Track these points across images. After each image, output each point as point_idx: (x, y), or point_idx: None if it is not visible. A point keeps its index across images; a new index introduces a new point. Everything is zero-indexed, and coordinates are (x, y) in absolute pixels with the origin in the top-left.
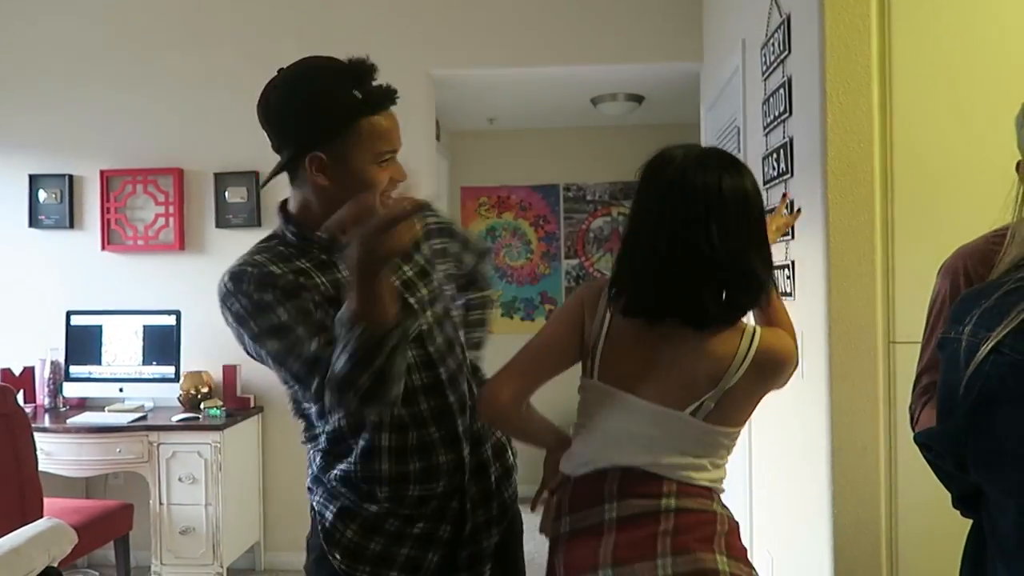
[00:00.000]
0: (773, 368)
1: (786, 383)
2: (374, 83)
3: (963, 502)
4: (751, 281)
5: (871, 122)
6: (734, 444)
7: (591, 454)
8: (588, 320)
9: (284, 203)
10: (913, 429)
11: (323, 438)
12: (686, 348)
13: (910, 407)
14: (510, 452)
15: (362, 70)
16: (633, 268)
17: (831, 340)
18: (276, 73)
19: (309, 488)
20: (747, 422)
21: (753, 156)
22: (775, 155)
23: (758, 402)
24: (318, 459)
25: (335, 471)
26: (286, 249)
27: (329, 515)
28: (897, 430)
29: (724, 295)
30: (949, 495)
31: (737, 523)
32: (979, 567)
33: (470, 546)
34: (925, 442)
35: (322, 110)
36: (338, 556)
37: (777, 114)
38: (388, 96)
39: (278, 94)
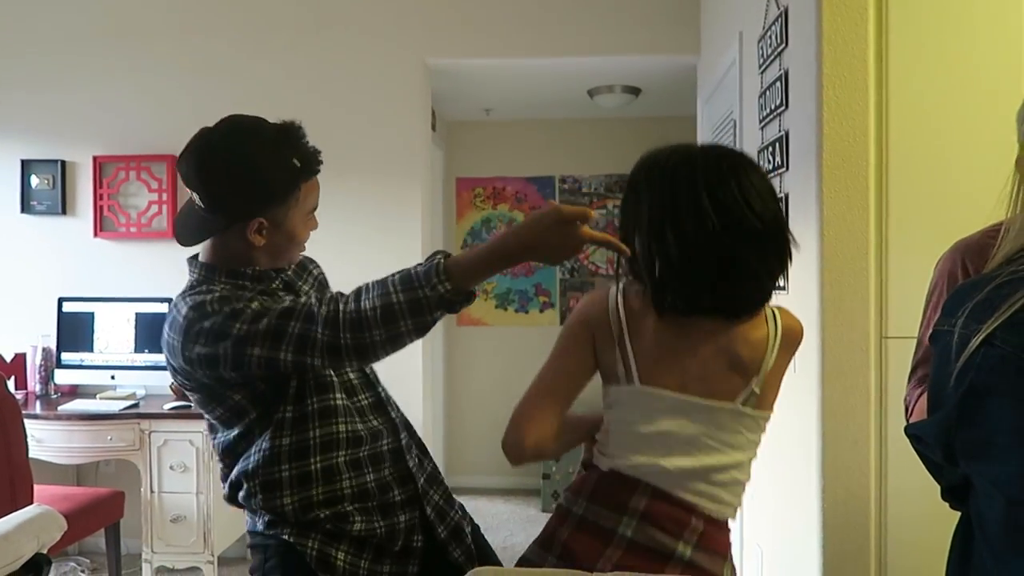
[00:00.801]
0: (794, 343)
1: None
2: (304, 144)
3: (951, 494)
4: (789, 245)
5: (867, 116)
6: (765, 426)
7: (629, 456)
8: (602, 338)
9: (196, 257)
10: (907, 421)
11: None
12: (725, 338)
13: (905, 399)
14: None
15: (296, 134)
16: (683, 266)
17: (824, 335)
18: (201, 133)
19: (260, 537)
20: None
21: (749, 149)
22: (771, 148)
23: (783, 378)
24: (260, 500)
25: (292, 504)
26: (221, 292)
27: (313, 546)
28: (888, 425)
29: (774, 268)
30: (938, 487)
31: None
32: (967, 559)
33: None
34: (916, 433)
35: (267, 181)
36: None
37: (773, 107)
38: (317, 157)
39: (215, 162)
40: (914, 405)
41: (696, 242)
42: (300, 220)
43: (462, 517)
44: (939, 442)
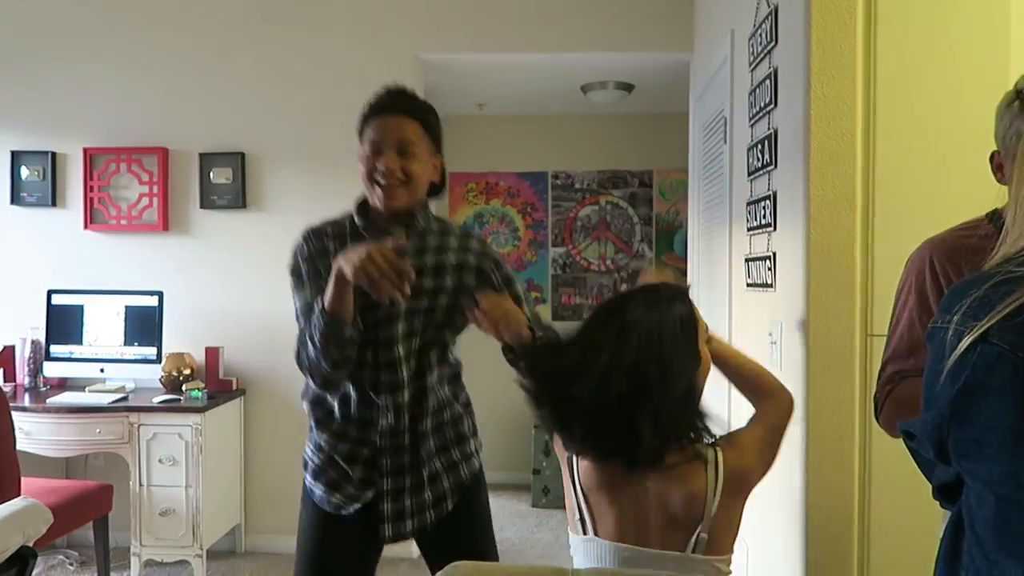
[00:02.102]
0: (743, 485)
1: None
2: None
3: (942, 492)
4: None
5: (854, 115)
6: (731, 573)
7: None
8: (565, 478)
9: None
10: (877, 418)
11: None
12: (657, 491)
13: (875, 395)
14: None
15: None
16: (556, 417)
17: (809, 332)
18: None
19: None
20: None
21: (739, 146)
22: (760, 146)
23: (741, 518)
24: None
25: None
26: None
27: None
28: (872, 422)
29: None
30: (923, 486)
31: None
32: (955, 558)
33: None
34: (908, 430)
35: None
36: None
37: (762, 105)
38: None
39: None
40: (883, 401)
41: (559, 396)
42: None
43: (433, 503)
44: (932, 439)
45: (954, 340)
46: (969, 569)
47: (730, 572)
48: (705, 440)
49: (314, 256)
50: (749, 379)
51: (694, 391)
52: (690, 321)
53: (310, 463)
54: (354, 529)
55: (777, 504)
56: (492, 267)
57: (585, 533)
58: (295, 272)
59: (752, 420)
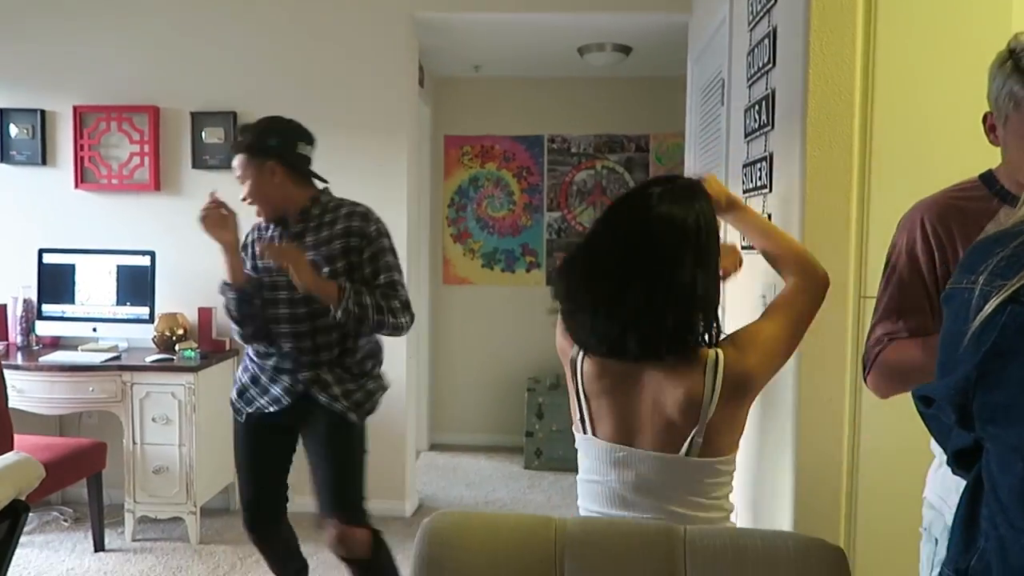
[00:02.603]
0: (744, 389)
1: (814, 307)
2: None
3: (957, 459)
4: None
5: (853, 74)
6: (733, 470)
7: (600, 512)
8: (567, 377)
9: None
10: (865, 379)
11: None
12: (662, 385)
13: (863, 357)
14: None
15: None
16: (570, 309)
17: None
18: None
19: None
20: (739, 443)
21: (736, 108)
22: (757, 107)
23: (744, 420)
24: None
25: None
26: None
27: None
28: (862, 385)
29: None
30: (911, 448)
31: None
32: (974, 526)
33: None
34: (926, 395)
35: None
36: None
37: (761, 65)
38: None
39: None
40: (872, 363)
41: (573, 284)
42: None
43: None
44: (954, 404)
45: (980, 301)
46: (990, 536)
47: (732, 469)
48: (709, 343)
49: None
50: (776, 247)
51: (716, 288)
52: (712, 217)
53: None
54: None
55: (767, 465)
56: (360, 243)
57: (585, 433)
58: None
59: (773, 309)
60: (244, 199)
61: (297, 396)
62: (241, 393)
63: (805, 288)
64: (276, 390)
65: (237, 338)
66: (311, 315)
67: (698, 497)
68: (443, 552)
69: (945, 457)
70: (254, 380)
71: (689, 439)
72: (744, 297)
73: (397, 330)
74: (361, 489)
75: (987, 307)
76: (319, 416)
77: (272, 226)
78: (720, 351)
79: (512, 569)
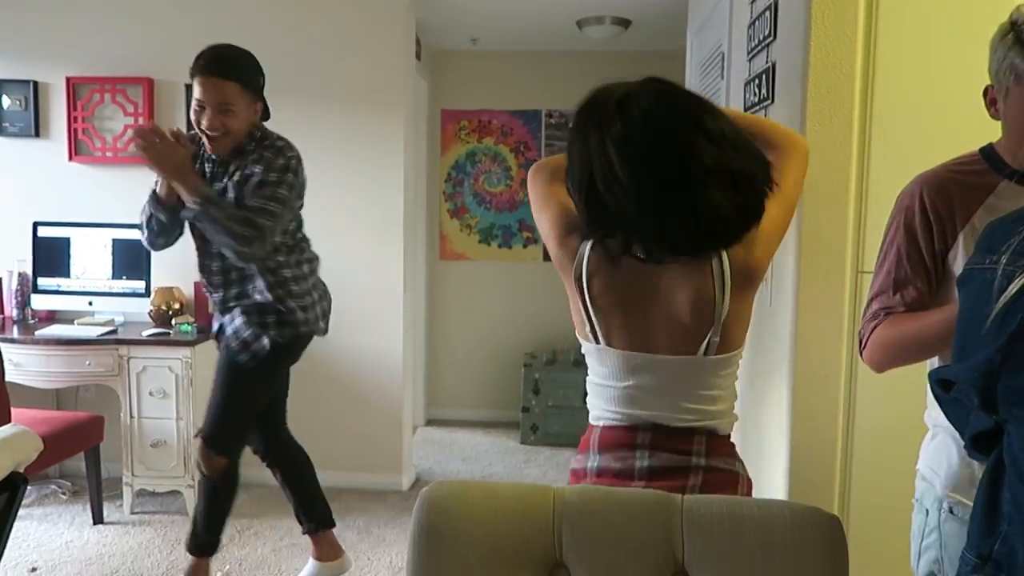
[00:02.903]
0: (752, 277)
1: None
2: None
3: (976, 443)
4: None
5: (855, 48)
6: (741, 356)
7: (617, 412)
8: (570, 289)
9: None
10: (861, 354)
11: None
12: (673, 292)
13: (859, 332)
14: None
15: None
16: (638, 206)
17: (800, 268)
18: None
19: None
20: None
21: (736, 82)
22: (757, 81)
23: (751, 309)
24: None
25: None
26: None
27: None
28: (859, 359)
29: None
30: (905, 422)
31: (751, 481)
32: (995, 511)
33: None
34: (946, 378)
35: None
36: None
37: (762, 38)
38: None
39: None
40: (868, 338)
41: (612, 187)
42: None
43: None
44: (977, 386)
45: (1003, 281)
46: (1014, 519)
47: (741, 357)
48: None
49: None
50: (748, 126)
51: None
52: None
53: None
54: None
55: (763, 439)
56: (255, 170)
57: (598, 343)
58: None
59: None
60: (211, 130)
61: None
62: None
63: (789, 160)
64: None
65: (145, 242)
66: (220, 255)
67: (713, 391)
68: (442, 520)
69: (937, 430)
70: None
71: (707, 340)
72: None
73: (239, 240)
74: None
75: (1011, 287)
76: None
77: (204, 160)
78: (724, 250)
79: (511, 537)
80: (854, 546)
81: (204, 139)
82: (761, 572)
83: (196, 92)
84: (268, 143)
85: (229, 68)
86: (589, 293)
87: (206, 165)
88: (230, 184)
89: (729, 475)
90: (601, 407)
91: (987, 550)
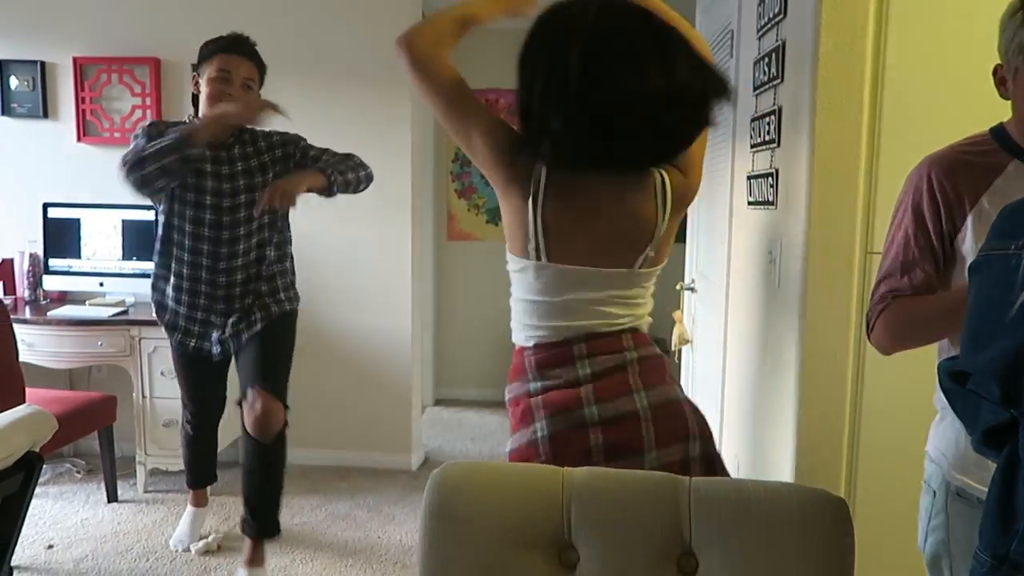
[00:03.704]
0: (686, 201)
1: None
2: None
3: (989, 440)
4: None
5: (866, 26)
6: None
7: (553, 328)
8: (517, 197)
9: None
10: (868, 336)
11: None
12: (617, 209)
13: (867, 313)
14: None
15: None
16: (567, 116)
17: (808, 248)
18: None
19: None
20: None
21: (745, 60)
22: (767, 59)
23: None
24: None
25: None
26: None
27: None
28: (866, 340)
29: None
30: (913, 404)
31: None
32: (1009, 507)
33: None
34: (959, 370)
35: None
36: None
37: (771, 15)
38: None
39: None
40: (875, 320)
41: (565, 99)
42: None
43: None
44: (998, 377)
45: None
46: None
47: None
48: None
49: (154, 137)
50: None
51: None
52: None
53: None
54: None
55: (770, 419)
56: (296, 148)
57: (540, 260)
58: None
59: None
60: (230, 114)
61: None
62: None
63: None
64: None
65: (136, 179)
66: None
67: (639, 299)
68: (453, 502)
69: (945, 412)
70: None
71: (644, 254)
72: (756, 254)
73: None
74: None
75: None
76: None
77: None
78: (665, 172)
79: (520, 517)
80: (861, 525)
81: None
82: (767, 553)
83: (219, 65)
84: (255, 131)
85: (253, 50)
86: (542, 212)
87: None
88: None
89: (657, 358)
90: (532, 324)
91: (1003, 550)
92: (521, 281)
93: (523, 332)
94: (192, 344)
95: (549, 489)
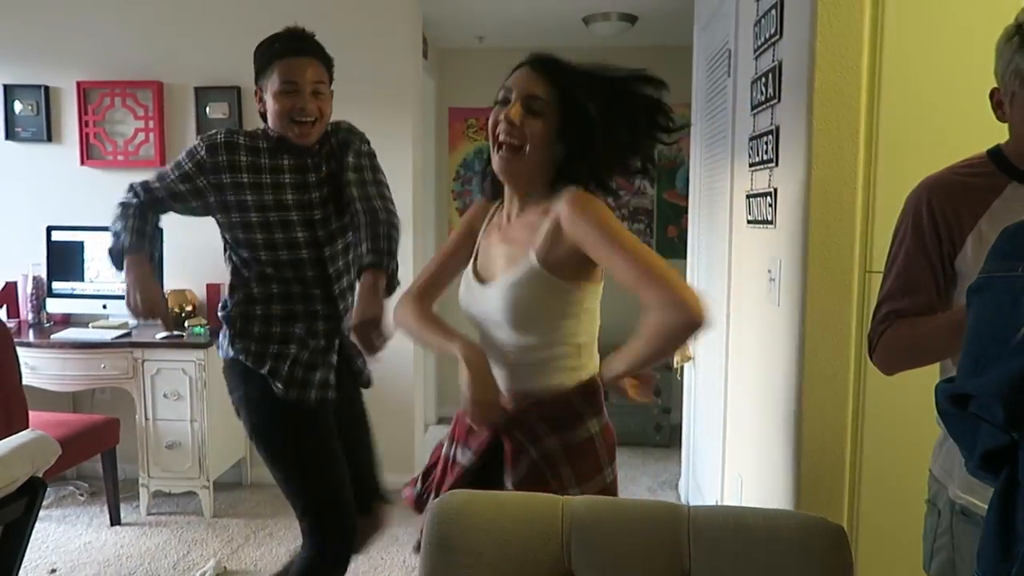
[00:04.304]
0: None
1: None
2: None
3: (987, 463)
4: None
5: (861, 47)
6: None
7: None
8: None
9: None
10: (871, 356)
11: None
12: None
13: (869, 334)
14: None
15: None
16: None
17: (808, 268)
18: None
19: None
20: None
21: (742, 80)
22: (763, 79)
23: None
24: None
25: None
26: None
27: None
28: (867, 359)
29: None
30: (916, 424)
31: None
32: (1010, 531)
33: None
34: (965, 392)
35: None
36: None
37: (768, 36)
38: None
39: None
40: (878, 340)
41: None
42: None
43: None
44: (1003, 400)
45: None
46: None
47: None
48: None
49: (222, 169)
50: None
51: None
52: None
53: None
54: None
55: (772, 438)
56: (349, 155)
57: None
58: (185, 172)
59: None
60: (307, 116)
61: None
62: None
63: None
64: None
65: (114, 257)
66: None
67: None
68: (452, 531)
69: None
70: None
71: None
72: (755, 273)
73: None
74: None
75: None
76: None
77: (254, 152)
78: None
79: (520, 546)
80: (865, 547)
81: (292, 130)
82: None
83: (281, 75)
84: (339, 127)
85: (317, 48)
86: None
87: (262, 158)
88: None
89: None
90: (592, 354)
91: (1004, 574)
92: (592, 308)
93: (592, 360)
94: (295, 394)
95: (549, 517)
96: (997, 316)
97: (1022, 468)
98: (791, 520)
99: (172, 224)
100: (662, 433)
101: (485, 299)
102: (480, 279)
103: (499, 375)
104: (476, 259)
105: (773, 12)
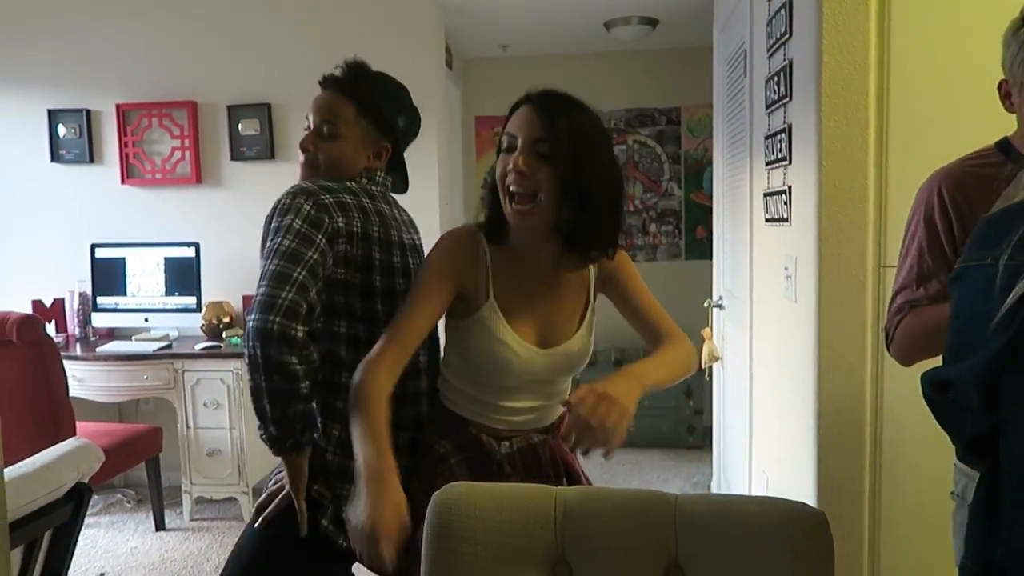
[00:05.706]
0: None
1: None
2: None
3: (973, 448)
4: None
5: (868, 43)
6: None
7: None
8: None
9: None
10: (888, 348)
11: None
12: None
13: (885, 326)
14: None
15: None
16: None
17: (821, 264)
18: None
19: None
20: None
21: (757, 79)
22: (776, 78)
23: None
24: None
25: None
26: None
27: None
28: (883, 353)
29: None
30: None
31: None
32: (995, 514)
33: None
34: (944, 378)
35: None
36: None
37: (779, 36)
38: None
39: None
40: (894, 331)
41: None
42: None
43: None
44: (980, 386)
45: (1006, 277)
46: (1014, 519)
47: None
48: None
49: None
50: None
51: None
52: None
53: None
54: None
55: (792, 434)
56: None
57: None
58: (315, 241)
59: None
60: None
61: None
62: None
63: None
64: None
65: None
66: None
67: None
68: (452, 520)
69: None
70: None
71: None
72: (774, 271)
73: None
74: None
75: (1020, 285)
76: None
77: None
78: None
79: (517, 534)
80: (888, 540)
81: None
82: (749, 567)
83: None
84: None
85: (337, 80)
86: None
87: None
88: None
89: None
90: None
91: (990, 555)
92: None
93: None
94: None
95: (543, 508)
96: (974, 304)
97: (1003, 453)
98: (775, 506)
99: (207, 239)
100: (695, 435)
101: (557, 358)
102: (544, 344)
103: (555, 414)
104: (509, 313)
105: (783, 11)
